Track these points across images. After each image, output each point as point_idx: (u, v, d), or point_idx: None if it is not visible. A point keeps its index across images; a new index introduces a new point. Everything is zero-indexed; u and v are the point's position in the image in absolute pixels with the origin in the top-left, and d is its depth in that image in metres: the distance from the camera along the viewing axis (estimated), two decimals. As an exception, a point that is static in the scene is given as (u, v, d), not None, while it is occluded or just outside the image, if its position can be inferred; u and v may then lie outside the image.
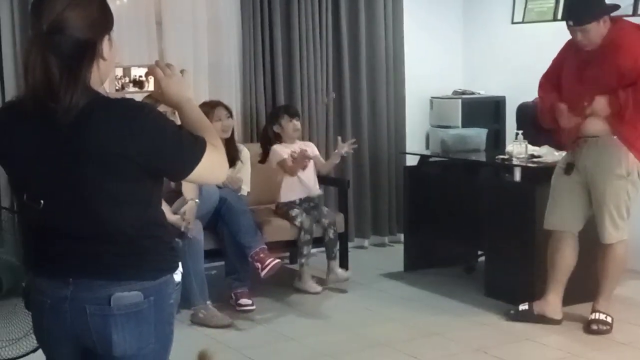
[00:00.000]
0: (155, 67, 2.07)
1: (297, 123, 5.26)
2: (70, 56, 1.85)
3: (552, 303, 4.45)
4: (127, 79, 2.09)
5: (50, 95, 1.84)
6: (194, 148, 1.93)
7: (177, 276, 2.06)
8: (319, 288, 5.15)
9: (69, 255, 1.95)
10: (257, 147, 5.48)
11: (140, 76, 2.10)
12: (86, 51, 1.88)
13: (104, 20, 1.94)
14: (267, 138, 5.31)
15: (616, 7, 4.38)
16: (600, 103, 4.15)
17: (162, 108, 2.19)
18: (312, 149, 5.36)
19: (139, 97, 2.08)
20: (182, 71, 2.11)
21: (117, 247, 1.94)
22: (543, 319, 4.45)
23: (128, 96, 2.07)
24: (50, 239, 1.97)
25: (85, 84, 1.87)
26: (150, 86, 2.09)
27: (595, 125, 4.22)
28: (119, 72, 2.10)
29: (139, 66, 2.12)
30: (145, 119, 1.88)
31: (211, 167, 1.98)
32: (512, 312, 4.55)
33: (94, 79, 1.91)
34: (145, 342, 1.97)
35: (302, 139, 5.50)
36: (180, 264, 2.08)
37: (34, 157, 1.92)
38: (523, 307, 4.51)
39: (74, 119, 1.85)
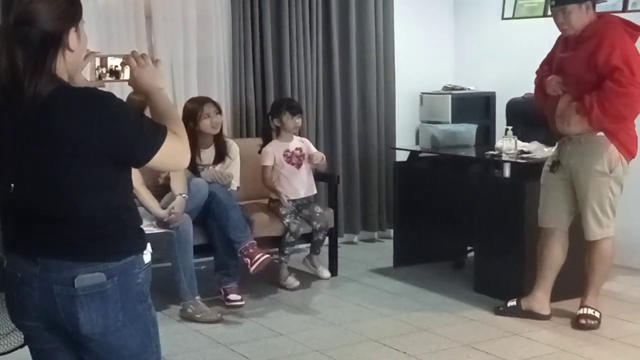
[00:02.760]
0: (130, 56, 2.15)
1: (298, 121, 5.26)
2: (36, 47, 1.93)
3: (540, 299, 4.47)
4: (104, 69, 2.12)
5: (15, 85, 1.92)
6: (154, 135, 2.01)
7: (147, 256, 2.12)
8: (296, 283, 5.18)
9: (38, 235, 2.03)
10: (246, 142, 5.49)
11: (117, 66, 2.16)
12: (52, 43, 1.95)
13: (71, 12, 2.00)
14: (267, 129, 5.32)
15: None
16: (569, 112, 4.21)
17: None
18: (307, 145, 5.35)
19: (115, 86, 2.16)
20: (156, 61, 2.19)
21: (82, 229, 2.01)
22: (531, 315, 4.46)
23: (106, 85, 2.14)
24: (21, 220, 2.06)
25: (50, 73, 1.95)
26: (125, 75, 2.15)
27: (578, 124, 4.23)
28: (97, 61, 2.14)
29: (116, 56, 2.17)
30: (106, 107, 1.95)
31: (172, 154, 2.05)
32: (500, 308, 4.57)
33: (60, 69, 1.98)
34: (112, 321, 2.03)
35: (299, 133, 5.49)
36: (149, 245, 2.14)
37: (4, 143, 2.00)
38: (511, 303, 4.53)
39: (39, 107, 1.92)
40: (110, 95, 1.97)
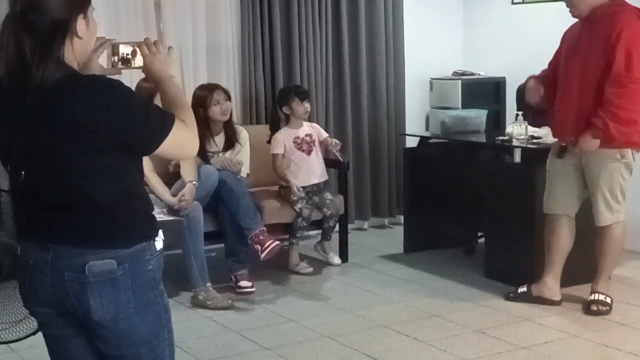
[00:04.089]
0: (142, 43, 2.14)
1: (307, 106, 5.24)
2: (43, 35, 1.93)
3: (550, 285, 4.46)
4: (116, 57, 2.12)
5: (22, 72, 1.92)
6: (161, 123, 2.00)
7: (159, 243, 2.11)
8: (309, 269, 5.19)
9: (48, 222, 2.04)
10: (256, 129, 5.49)
11: (128, 54, 2.14)
12: (59, 29, 1.95)
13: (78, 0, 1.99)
14: (275, 119, 5.30)
15: None
16: (587, 141, 4.15)
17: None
18: (317, 130, 5.35)
19: (124, 73, 2.15)
20: (169, 48, 2.18)
21: (92, 216, 2.01)
22: (542, 301, 4.46)
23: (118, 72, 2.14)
24: (32, 207, 2.07)
25: (58, 60, 1.94)
26: (136, 63, 2.14)
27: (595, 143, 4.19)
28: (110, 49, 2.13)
29: (128, 43, 2.16)
30: (112, 94, 1.94)
31: (179, 142, 2.04)
32: (511, 294, 4.57)
33: (68, 57, 1.97)
34: (123, 308, 2.03)
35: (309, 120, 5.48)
36: (160, 231, 2.13)
37: (13, 130, 2.00)
38: (522, 289, 4.53)
39: (46, 94, 1.92)
40: (117, 83, 1.96)
